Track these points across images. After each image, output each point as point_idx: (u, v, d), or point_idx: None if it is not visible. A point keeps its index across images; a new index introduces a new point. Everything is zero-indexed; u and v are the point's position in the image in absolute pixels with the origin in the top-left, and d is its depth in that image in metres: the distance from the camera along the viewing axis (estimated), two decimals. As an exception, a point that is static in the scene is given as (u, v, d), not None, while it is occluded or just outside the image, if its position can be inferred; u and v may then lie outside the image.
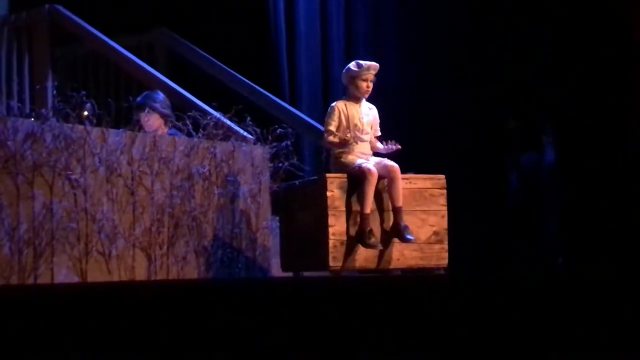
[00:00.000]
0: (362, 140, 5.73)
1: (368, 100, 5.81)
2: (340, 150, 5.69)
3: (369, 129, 5.77)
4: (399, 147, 5.72)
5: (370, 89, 5.72)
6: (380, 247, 5.51)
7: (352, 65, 5.73)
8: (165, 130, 6.34)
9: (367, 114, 5.78)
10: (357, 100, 5.76)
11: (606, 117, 7.27)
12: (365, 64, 5.69)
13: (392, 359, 3.07)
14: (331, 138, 5.70)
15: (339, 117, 5.72)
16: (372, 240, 5.47)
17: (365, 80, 5.70)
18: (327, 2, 8.44)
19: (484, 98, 7.77)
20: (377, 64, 5.71)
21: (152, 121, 6.32)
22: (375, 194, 5.54)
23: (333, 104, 5.79)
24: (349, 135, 5.62)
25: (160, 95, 6.44)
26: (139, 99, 6.42)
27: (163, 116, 6.35)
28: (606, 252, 6.97)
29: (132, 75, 7.07)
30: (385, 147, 5.73)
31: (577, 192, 7.33)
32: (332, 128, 5.71)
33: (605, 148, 7.26)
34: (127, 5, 8.71)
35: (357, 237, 5.49)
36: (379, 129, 5.86)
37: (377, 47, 8.25)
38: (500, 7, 7.79)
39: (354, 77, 5.70)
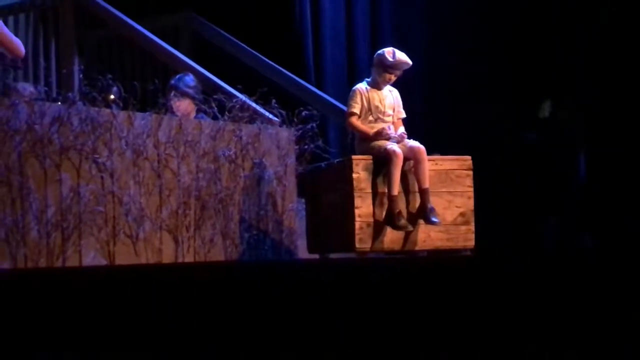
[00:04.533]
0: (385, 122, 5.73)
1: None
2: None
3: (390, 111, 5.77)
4: (402, 134, 5.69)
5: (391, 82, 5.74)
6: (410, 228, 5.51)
7: (388, 53, 5.69)
8: (193, 114, 6.35)
9: (387, 96, 5.79)
10: (378, 87, 5.77)
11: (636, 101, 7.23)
12: (398, 59, 5.66)
13: (419, 340, 3.07)
14: (355, 121, 5.70)
15: (361, 100, 5.72)
16: (402, 222, 5.47)
17: (392, 73, 5.70)
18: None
19: (511, 80, 7.73)
20: (410, 63, 5.69)
21: (184, 106, 6.32)
22: (402, 176, 5.53)
23: (354, 87, 5.80)
24: (377, 133, 5.61)
25: (193, 79, 6.43)
26: (172, 81, 6.41)
27: (194, 101, 6.34)
28: (632, 229, 6.93)
29: (158, 58, 7.08)
30: (397, 136, 5.68)
31: (604, 170, 7.29)
32: (357, 111, 5.72)
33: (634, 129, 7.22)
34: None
35: (387, 219, 5.49)
36: (402, 110, 5.84)
37: (403, 29, 8.22)
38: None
39: (386, 64, 5.69)
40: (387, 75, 5.72)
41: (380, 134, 5.63)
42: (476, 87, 7.87)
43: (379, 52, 5.77)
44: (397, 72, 5.72)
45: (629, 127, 7.25)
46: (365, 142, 5.69)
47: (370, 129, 5.69)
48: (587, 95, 7.52)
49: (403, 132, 5.71)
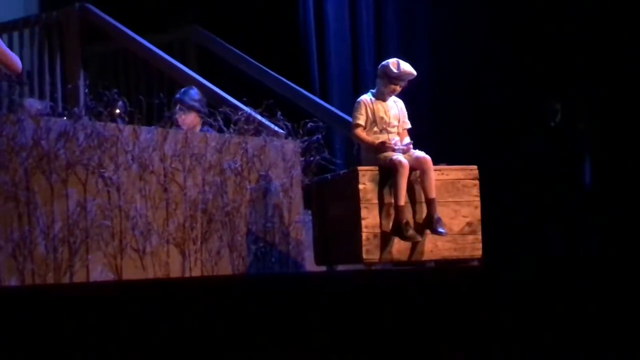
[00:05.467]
0: (390, 133, 5.73)
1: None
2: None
3: (395, 122, 5.77)
4: (408, 144, 5.70)
5: (396, 93, 5.76)
6: (418, 238, 5.51)
7: (392, 64, 5.70)
8: (199, 127, 6.36)
9: (392, 107, 5.80)
10: (383, 99, 5.77)
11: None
12: (403, 69, 5.67)
13: (428, 351, 3.06)
14: (361, 133, 5.71)
15: (366, 111, 5.73)
16: (410, 232, 5.47)
17: (397, 84, 5.72)
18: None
19: (516, 88, 7.72)
20: (415, 73, 5.71)
21: (190, 119, 6.34)
22: (408, 186, 5.53)
23: (359, 99, 5.82)
24: (382, 143, 5.61)
25: (198, 93, 6.44)
26: (177, 95, 6.43)
27: (200, 114, 6.36)
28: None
29: (163, 72, 7.09)
30: (402, 148, 5.68)
31: (612, 176, 7.28)
32: (362, 122, 5.73)
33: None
34: (157, 2, 8.74)
35: (395, 230, 5.49)
36: (407, 121, 5.85)
37: (407, 39, 8.23)
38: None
39: (391, 75, 5.70)
40: (392, 86, 5.72)
41: (385, 146, 5.63)
42: (482, 96, 7.87)
43: (384, 63, 5.77)
44: (402, 83, 5.73)
45: (636, 135, 7.24)
46: (371, 153, 5.69)
47: (376, 140, 5.69)
48: (593, 102, 7.51)
49: (409, 143, 5.71)
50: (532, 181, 7.57)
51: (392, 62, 5.71)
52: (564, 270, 3.33)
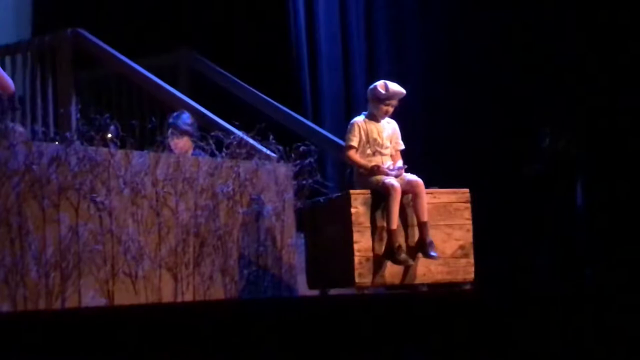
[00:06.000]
0: (383, 155, 5.75)
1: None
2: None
3: (388, 143, 5.79)
4: (401, 167, 5.71)
5: (389, 114, 5.77)
6: (411, 262, 5.51)
7: (380, 86, 5.73)
8: (191, 151, 6.36)
9: (386, 129, 5.81)
10: (376, 120, 5.79)
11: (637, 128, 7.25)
12: (392, 90, 5.70)
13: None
14: (354, 155, 5.73)
15: (359, 133, 5.75)
16: (403, 256, 5.47)
17: (388, 105, 5.74)
18: (348, 19, 8.45)
19: (508, 111, 7.74)
20: (404, 92, 5.74)
21: (182, 144, 6.35)
22: (400, 210, 5.53)
23: (353, 121, 5.84)
24: (375, 167, 5.63)
25: (190, 117, 6.45)
26: (169, 119, 6.43)
27: (192, 138, 6.36)
28: (633, 263, 6.92)
29: (155, 96, 7.10)
30: (395, 171, 5.69)
31: (605, 203, 7.29)
32: (355, 144, 5.75)
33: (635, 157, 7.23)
34: (149, 27, 8.76)
35: (387, 254, 5.49)
36: (401, 142, 5.86)
37: (399, 63, 8.25)
38: (525, 22, 7.77)
39: (380, 98, 5.72)
40: (384, 108, 5.75)
41: (379, 170, 5.64)
42: (474, 119, 7.88)
43: (372, 86, 5.80)
44: (393, 103, 5.75)
45: (628, 157, 7.26)
46: (364, 177, 5.70)
47: (369, 162, 5.71)
48: (585, 126, 7.53)
49: (402, 167, 5.71)
50: (525, 204, 7.58)
51: (380, 84, 5.74)
52: (555, 297, 3.33)
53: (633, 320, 3.13)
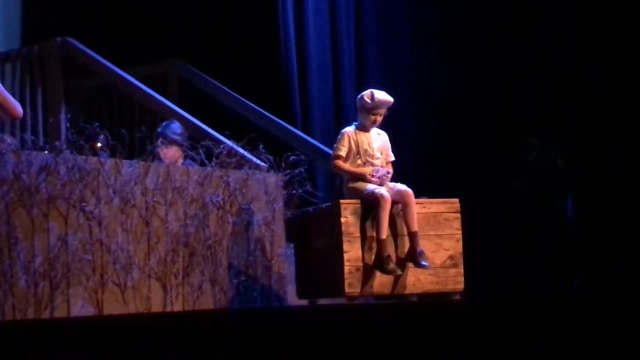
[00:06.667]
0: (374, 165, 5.74)
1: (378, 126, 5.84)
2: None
3: (379, 154, 5.79)
4: (388, 170, 5.71)
5: (378, 123, 5.76)
6: (399, 272, 5.51)
7: (366, 96, 5.73)
8: (181, 161, 6.35)
9: (376, 139, 5.81)
10: (366, 130, 5.79)
11: (623, 140, 7.27)
12: (378, 99, 5.70)
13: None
14: (341, 163, 5.72)
15: (349, 143, 5.74)
16: (391, 266, 5.47)
17: (376, 114, 5.73)
18: (338, 29, 8.47)
19: (498, 121, 7.77)
20: (391, 100, 5.73)
21: (172, 153, 6.34)
22: (390, 219, 5.53)
23: (343, 131, 5.83)
24: (368, 173, 5.63)
25: (180, 127, 6.45)
26: (159, 129, 6.43)
27: (182, 148, 6.36)
28: (621, 272, 6.94)
29: (145, 105, 7.09)
30: (377, 178, 5.68)
31: (592, 213, 7.31)
32: (342, 154, 5.74)
33: (621, 168, 7.25)
34: (139, 36, 8.76)
35: (376, 263, 5.48)
36: (391, 153, 5.86)
37: (389, 73, 8.27)
38: (514, 30, 7.80)
39: (368, 107, 5.73)
40: (372, 117, 5.74)
41: (367, 178, 5.64)
42: (464, 130, 7.91)
43: (359, 96, 5.81)
44: (381, 112, 5.74)
45: (616, 168, 7.28)
46: (354, 187, 5.70)
47: (362, 166, 5.70)
48: (572, 138, 7.56)
49: (388, 171, 5.69)
50: (514, 215, 7.60)
51: (367, 94, 5.75)
52: (545, 307, 3.33)
53: (620, 327, 3.13)
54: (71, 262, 5.06)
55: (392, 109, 5.79)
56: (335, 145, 5.82)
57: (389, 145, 5.87)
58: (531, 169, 7.54)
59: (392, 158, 5.87)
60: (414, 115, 8.06)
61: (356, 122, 5.87)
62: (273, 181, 6.15)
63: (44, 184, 5.01)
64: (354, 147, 5.75)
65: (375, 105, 5.71)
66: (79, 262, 5.09)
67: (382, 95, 5.73)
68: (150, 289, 5.38)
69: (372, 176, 5.66)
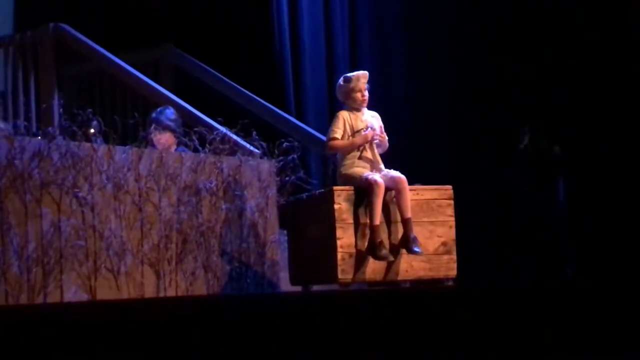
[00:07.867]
0: (369, 149, 5.73)
1: (371, 109, 5.83)
2: (347, 160, 5.69)
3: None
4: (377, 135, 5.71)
5: (366, 97, 5.75)
6: (391, 258, 5.51)
7: (341, 81, 5.78)
8: (174, 147, 6.35)
9: (371, 122, 5.79)
10: (358, 110, 5.78)
11: (618, 131, 7.28)
12: (352, 75, 5.74)
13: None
14: (337, 143, 5.70)
15: (344, 125, 5.73)
16: (383, 252, 5.47)
17: (359, 90, 5.73)
18: (332, 16, 8.45)
19: (490, 109, 7.77)
20: (366, 72, 5.75)
21: (165, 139, 6.34)
22: (383, 206, 5.54)
23: (338, 113, 5.81)
24: (364, 137, 5.63)
25: (173, 112, 6.45)
26: (152, 115, 6.42)
27: (175, 134, 6.35)
28: (615, 262, 6.96)
29: (138, 92, 7.08)
30: (371, 129, 5.68)
31: (586, 200, 7.32)
32: (338, 135, 5.71)
33: (614, 155, 7.26)
34: (131, 22, 8.73)
35: (368, 250, 5.49)
36: (385, 135, 5.84)
37: (382, 60, 8.27)
38: (508, 24, 7.80)
39: (347, 91, 5.73)
40: (357, 95, 5.73)
41: (366, 138, 5.63)
42: (457, 117, 7.91)
43: (336, 88, 5.83)
44: (363, 86, 5.72)
45: (609, 156, 7.29)
46: (347, 173, 5.69)
47: (355, 151, 5.68)
48: (565, 125, 7.56)
49: (380, 132, 5.70)
50: (507, 202, 7.61)
51: (340, 81, 5.79)
52: (536, 296, 3.34)
53: (613, 316, 3.14)
54: (64, 248, 5.06)
55: (385, 88, 5.77)
56: (330, 127, 5.77)
57: (382, 127, 5.85)
58: (523, 156, 7.55)
59: (386, 139, 5.85)
60: (408, 102, 8.06)
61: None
62: (266, 168, 6.15)
63: (36, 170, 5.01)
64: (348, 129, 5.73)
65: (353, 83, 5.70)
66: (72, 248, 5.09)
67: (353, 73, 5.75)
68: (143, 275, 5.39)
69: (366, 127, 5.65)
